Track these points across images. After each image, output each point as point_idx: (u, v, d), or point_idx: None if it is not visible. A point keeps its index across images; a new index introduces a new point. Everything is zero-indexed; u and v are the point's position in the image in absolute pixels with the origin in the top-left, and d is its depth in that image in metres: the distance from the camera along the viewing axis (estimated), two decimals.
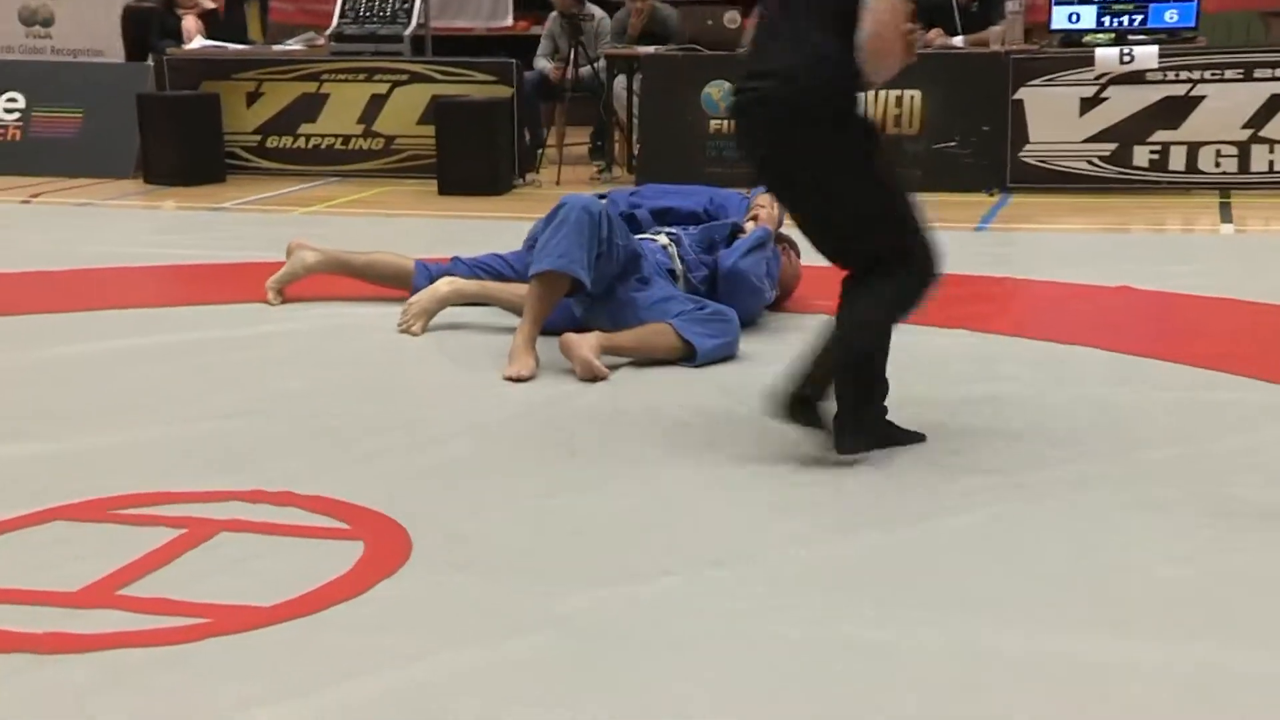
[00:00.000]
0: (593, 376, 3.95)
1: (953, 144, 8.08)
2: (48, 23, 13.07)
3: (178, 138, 8.51)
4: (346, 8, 9.36)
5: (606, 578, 2.53)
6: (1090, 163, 7.98)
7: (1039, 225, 7.05)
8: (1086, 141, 7.96)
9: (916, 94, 8.14)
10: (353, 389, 3.86)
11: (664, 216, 4.81)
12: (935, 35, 8.54)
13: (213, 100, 8.73)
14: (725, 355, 4.21)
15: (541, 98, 9.52)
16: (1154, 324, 4.76)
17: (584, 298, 4.33)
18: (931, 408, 3.54)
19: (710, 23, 8.63)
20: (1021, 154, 8.03)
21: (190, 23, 10.00)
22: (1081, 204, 7.58)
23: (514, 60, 8.79)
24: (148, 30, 10.03)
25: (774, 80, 3.25)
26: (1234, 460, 3.20)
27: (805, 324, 4.64)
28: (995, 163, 8.02)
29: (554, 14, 9.54)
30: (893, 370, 3.30)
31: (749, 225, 4.68)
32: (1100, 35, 8.13)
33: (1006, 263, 5.83)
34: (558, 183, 8.64)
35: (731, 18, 8.56)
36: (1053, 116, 7.97)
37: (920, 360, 3.86)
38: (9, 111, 9.13)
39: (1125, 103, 7.87)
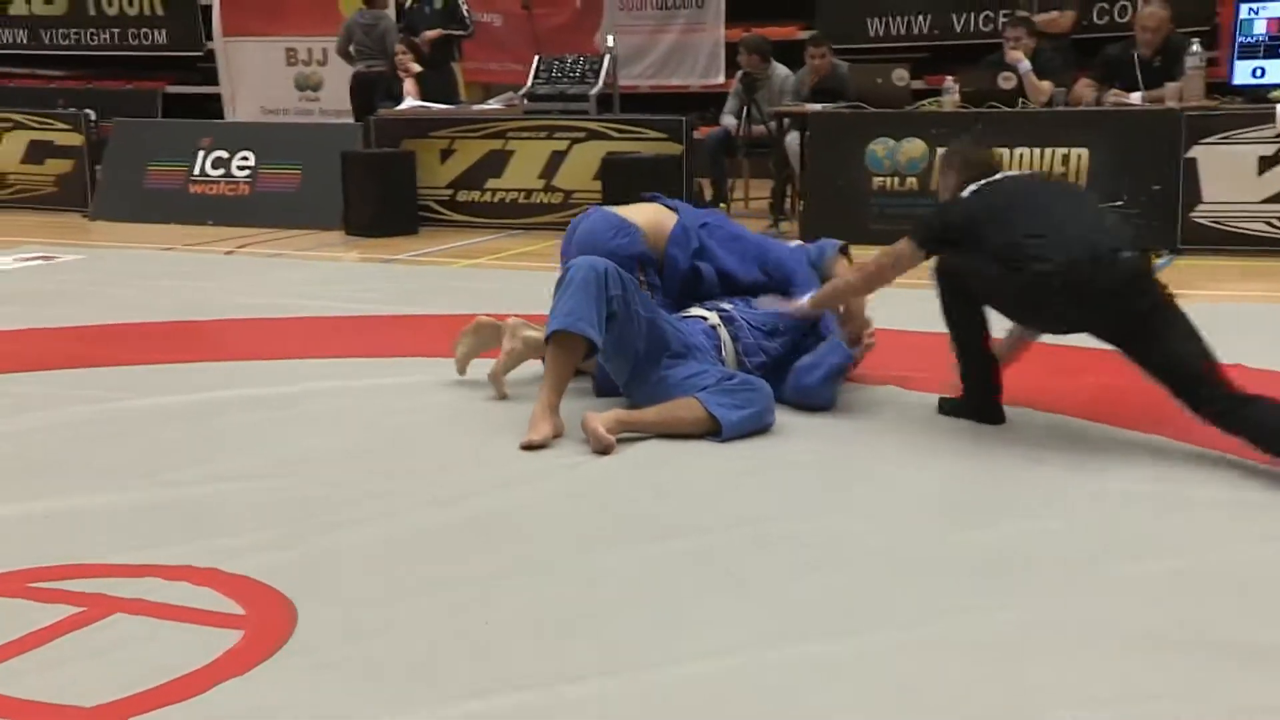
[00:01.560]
0: (603, 449, 3.65)
1: (1120, 203, 7.37)
2: (317, 88, 13.67)
3: (375, 192, 8.62)
4: (540, 69, 9.36)
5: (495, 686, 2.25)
6: (1270, 224, 7.14)
7: (1196, 291, 6.31)
8: (1265, 202, 7.12)
9: (1083, 152, 7.47)
10: (357, 455, 3.64)
11: (726, 281, 4.43)
12: (1112, 93, 7.85)
13: (408, 157, 8.82)
14: (756, 427, 3.80)
15: (725, 153, 9.28)
16: None
17: (629, 386, 4.06)
18: None
19: (879, 80, 8.18)
20: (1194, 214, 7.25)
21: (409, 85, 10.18)
22: (1252, 268, 6.78)
23: (684, 118, 8.55)
24: (373, 93, 10.29)
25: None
26: None
27: (860, 398, 4.25)
28: (1165, 223, 7.26)
29: (740, 72, 9.28)
30: None
31: (837, 329, 4.25)
32: None
33: None
34: None
35: (900, 75, 8.10)
36: (1228, 175, 7.17)
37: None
38: (241, 169, 9.46)
39: None
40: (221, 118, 13.18)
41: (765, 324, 4.22)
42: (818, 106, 8.37)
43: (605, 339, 3.91)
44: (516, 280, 6.80)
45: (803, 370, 4.13)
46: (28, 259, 7.48)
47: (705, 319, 4.21)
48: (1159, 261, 7.03)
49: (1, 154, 10.36)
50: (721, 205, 8.88)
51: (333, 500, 3.23)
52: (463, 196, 8.91)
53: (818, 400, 4.11)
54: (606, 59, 9.26)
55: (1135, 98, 7.76)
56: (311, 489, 3.32)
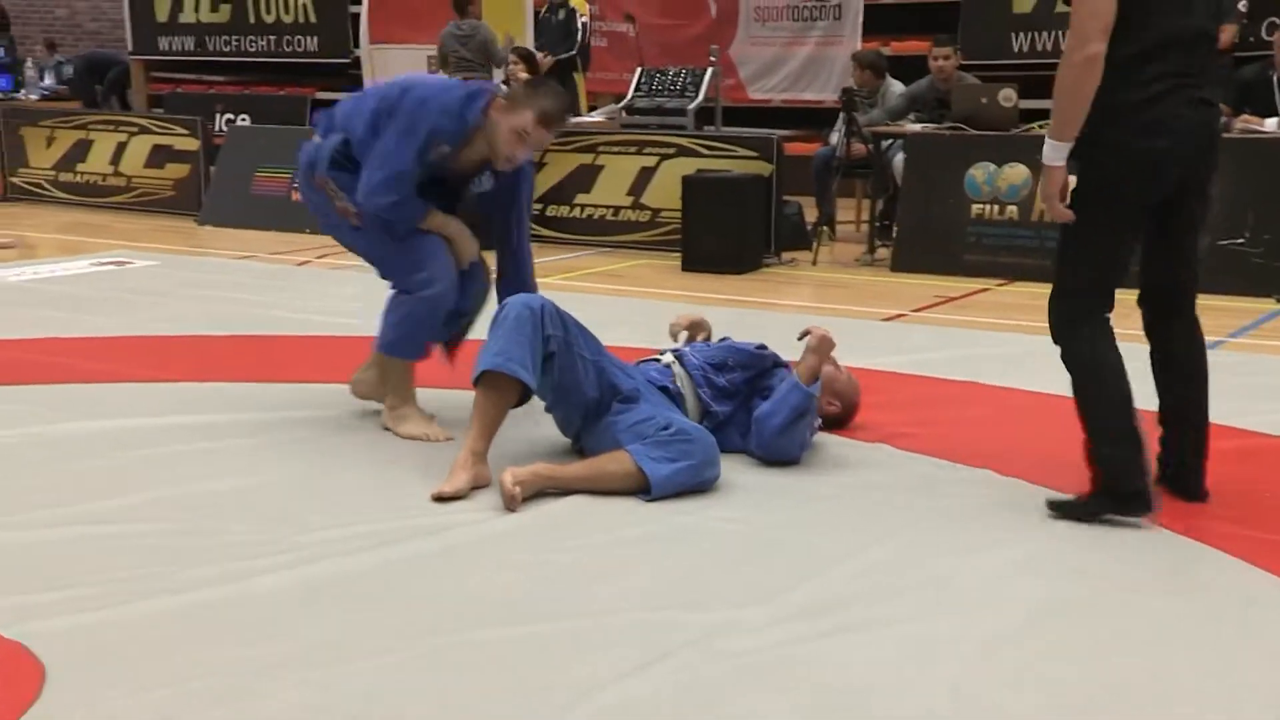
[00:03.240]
0: (509, 507, 3.31)
1: (1241, 241, 6.65)
2: None
3: None
4: (641, 81, 9.05)
5: None
6: None
7: None
8: None
9: None
10: (244, 497, 3.36)
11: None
12: (1242, 119, 7.10)
13: None
14: (691, 483, 3.39)
15: (830, 174, 8.80)
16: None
17: (581, 435, 3.71)
18: None
19: (984, 100, 7.59)
20: None
21: None
22: None
23: (774, 135, 8.11)
24: None
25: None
26: None
27: (838, 456, 3.80)
28: None
29: (842, 88, 8.80)
30: None
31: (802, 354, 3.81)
32: None
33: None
34: (814, 263, 7.87)
35: (1007, 95, 7.49)
36: None
37: None
38: None
39: None
40: None
41: (713, 359, 3.84)
42: (917, 127, 7.82)
43: (543, 381, 3.58)
44: (566, 303, 6.48)
45: (762, 419, 3.72)
46: (103, 263, 7.54)
47: (659, 360, 3.84)
48: (1265, 312, 6.31)
49: (127, 158, 10.60)
50: (824, 228, 8.41)
51: (180, 553, 2.96)
52: (552, 211, 8.66)
53: (782, 453, 3.69)
54: (709, 71, 8.88)
55: (1270, 124, 7.02)
56: (166, 538, 3.06)
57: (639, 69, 9.15)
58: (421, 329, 4.01)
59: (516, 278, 4.13)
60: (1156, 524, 3.17)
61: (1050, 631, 2.60)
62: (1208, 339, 5.44)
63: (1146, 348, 3.41)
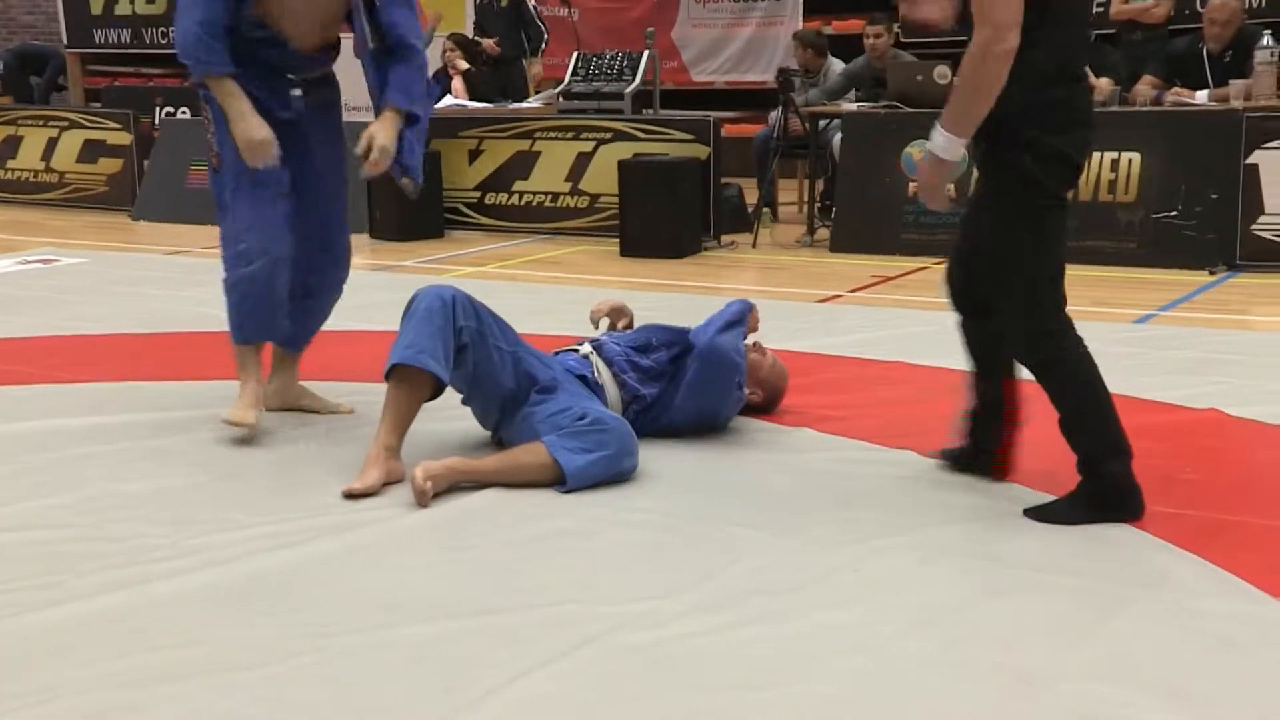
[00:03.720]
0: (420, 503, 3.25)
1: (1174, 214, 6.66)
2: None
3: (397, 194, 8.31)
4: (578, 65, 8.97)
5: None
6: None
7: (1254, 316, 5.63)
8: None
9: (1135, 156, 6.78)
10: (162, 497, 3.27)
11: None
12: (1174, 92, 7.11)
13: (431, 158, 8.50)
14: (607, 474, 3.33)
15: (770, 155, 8.77)
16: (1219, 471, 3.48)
17: (500, 428, 3.65)
18: None
19: (920, 78, 7.57)
20: (1255, 227, 6.51)
21: (456, 83, 9.91)
22: None
23: (710, 117, 8.07)
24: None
25: None
26: None
27: (757, 440, 3.76)
28: (1223, 237, 6.55)
29: (779, 68, 8.77)
30: None
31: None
32: None
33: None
34: (753, 245, 7.84)
35: (942, 72, 7.46)
36: None
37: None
38: None
39: None
40: None
41: (635, 341, 3.80)
42: (853, 107, 7.80)
43: (456, 374, 3.52)
44: (500, 291, 6.42)
45: (697, 333, 3.72)
46: (30, 261, 7.40)
47: (576, 350, 3.79)
48: (1213, 279, 6.34)
49: (59, 153, 10.43)
50: (766, 209, 8.38)
51: (81, 558, 2.87)
52: (490, 199, 8.58)
53: (727, 358, 3.67)
54: (645, 55, 8.82)
55: (1201, 96, 7.04)
56: (67, 544, 2.96)
57: (575, 53, 9.08)
58: (250, 312, 3.85)
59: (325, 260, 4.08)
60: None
61: (962, 619, 2.57)
62: (1140, 312, 5.47)
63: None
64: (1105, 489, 3.04)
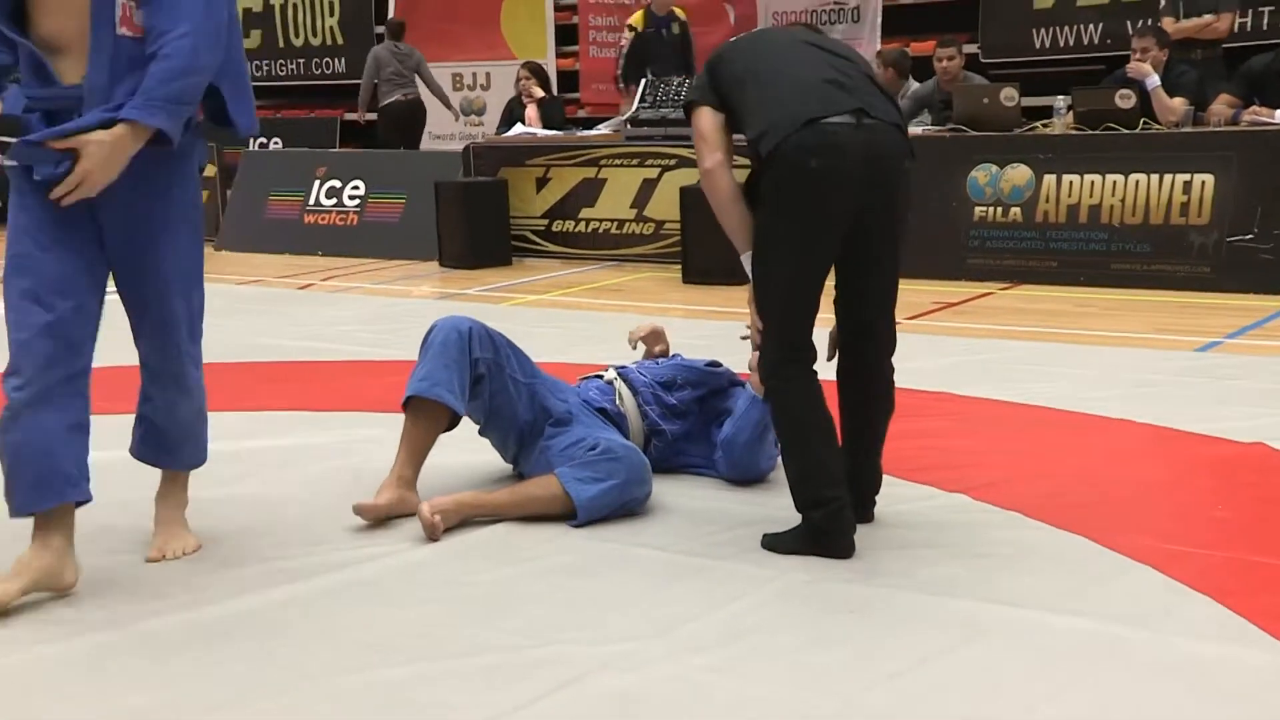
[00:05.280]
0: (429, 534, 3.25)
1: (1249, 237, 6.44)
2: (480, 112, 13.71)
3: (466, 222, 8.42)
4: (645, 93, 8.97)
5: None
6: None
7: None
8: None
9: (1208, 179, 6.58)
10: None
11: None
12: (1251, 111, 6.89)
13: (499, 186, 8.58)
14: (618, 504, 3.30)
15: None
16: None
17: (517, 460, 3.64)
18: None
19: (986, 100, 7.44)
20: None
21: (530, 111, 9.98)
22: None
23: None
24: (412, 122, 10.52)
25: (887, 121, 2.99)
26: None
27: (773, 476, 3.68)
28: None
29: None
30: None
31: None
32: None
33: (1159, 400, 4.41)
34: None
35: (1009, 95, 7.34)
36: None
37: None
38: (352, 198, 9.45)
39: None
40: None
41: (661, 376, 3.75)
42: (919, 129, 7.68)
43: (473, 404, 3.52)
44: (559, 319, 6.45)
45: (728, 442, 3.64)
46: (111, 292, 7.58)
47: (602, 376, 3.77)
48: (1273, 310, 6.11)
49: None
50: None
51: (74, 596, 2.93)
52: (558, 226, 8.62)
53: (752, 470, 3.64)
54: None
55: None
56: (87, 573, 3.03)
57: (645, 80, 9.08)
58: (19, 467, 2.81)
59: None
60: (1080, 533, 3.04)
61: (945, 663, 2.48)
62: (1204, 339, 5.27)
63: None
64: (812, 530, 3.05)
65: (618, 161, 8.42)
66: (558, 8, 12.80)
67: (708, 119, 3.12)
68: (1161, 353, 5.06)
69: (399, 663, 2.54)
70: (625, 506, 3.35)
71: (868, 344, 3.18)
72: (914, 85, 8.73)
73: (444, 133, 13.70)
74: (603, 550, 3.13)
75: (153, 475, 3.26)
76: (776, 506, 3.42)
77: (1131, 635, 2.54)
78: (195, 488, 3.38)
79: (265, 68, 15.21)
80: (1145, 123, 6.94)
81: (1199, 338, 5.41)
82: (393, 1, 13.67)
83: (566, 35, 12.86)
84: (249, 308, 7.03)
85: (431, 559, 3.12)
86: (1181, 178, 6.59)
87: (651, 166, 8.27)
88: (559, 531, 3.26)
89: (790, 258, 3.01)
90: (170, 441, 3.16)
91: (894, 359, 3.21)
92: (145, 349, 3.05)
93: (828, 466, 3.04)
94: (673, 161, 8.19)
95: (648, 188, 8.26)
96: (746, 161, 3.06)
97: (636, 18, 10.01)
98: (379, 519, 3.35)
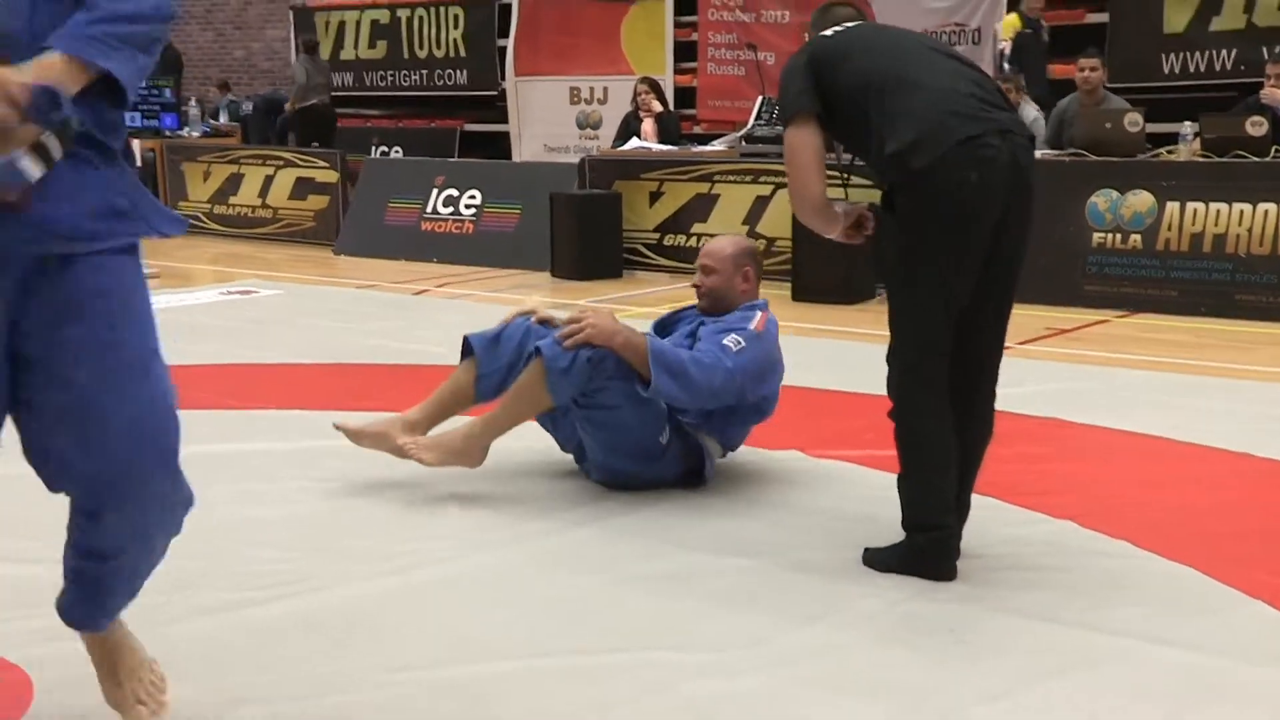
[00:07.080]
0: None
1: None
2: (597, 125, 13.81)
3: (579, 234, 8.48)
4: (761, 110, 8.95)
5: None
6: None
7: None
8: None
9: (1271, 208, 6.35)
10: (260, 531, 3.35)
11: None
12: None
13: (613, 199, 8.62)
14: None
15: None
16: None
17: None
18: None
19: (1109, 125, 7.28)
20: None
21: (648, 125, 10.02)
22: None
23: None
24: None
25: (1025, 135, 2.97)
26: None
27: (868, 494, 3.63)
28: None
29: None
30: None
31: None
32: None
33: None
34: None
35: (1133, 120, 7.17)
36: None
37: None
38: (468, 207, 9.57)
39: None
40: (509, 156, 13.53)
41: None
42: (1038, 153, 7.53)
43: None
44: None
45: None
46: (232, 292, 7.80)
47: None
48: None
49: (274, 190, 10.99)
50: None
51: (178, 581, 3.00)
52: (669, 241, 8.64)
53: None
54: None
55: None
56: (191, 561, 3.08)
57: (760, 98, 9.07)
58: None
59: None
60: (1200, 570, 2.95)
61: (1035, 691, 2.42)
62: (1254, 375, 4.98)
63: None
64: (915, 549, 2.99)
65: (731, 178, 8.41)
66: (678, 25, 12.83)
67: (811, 140, 3.04)
68: (1243, 383, 4.91)
69: (491, 659, 2.56)
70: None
71: (974, 368, 3.04)
72: (1030, 109, 8.58)
73: (559, 145, 13.84)
74: (694, 560, 3.13)
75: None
76: (866, 527, 3.38)
77: (1239, 671, 2.46)
78: (332, 484, 3.44)
79: (389, 78, 15.50)
80: (1277, 150, 6.73)
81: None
82: (515, 16, 13.81)
83: (685, 52, 12.88)
84: (370, 312, 7.16)
85: (520, 563, 3.14)
86: (1239, 207, 6.40)
87: (765, 184, 8.25)
88: (651, 541, 3.26)
89: (944, 275, 2.89)
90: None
91: (1000, 384, 3.13)
92: None
93: (943, 494, 2.96)
94: (785, 179, 8.14)
95: (760, 205, 8.24)
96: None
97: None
98: (357, 442, 3.64)
